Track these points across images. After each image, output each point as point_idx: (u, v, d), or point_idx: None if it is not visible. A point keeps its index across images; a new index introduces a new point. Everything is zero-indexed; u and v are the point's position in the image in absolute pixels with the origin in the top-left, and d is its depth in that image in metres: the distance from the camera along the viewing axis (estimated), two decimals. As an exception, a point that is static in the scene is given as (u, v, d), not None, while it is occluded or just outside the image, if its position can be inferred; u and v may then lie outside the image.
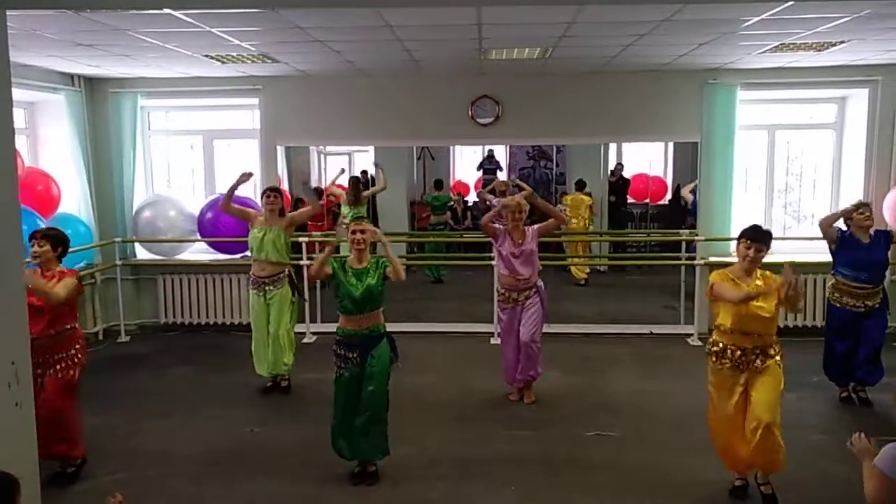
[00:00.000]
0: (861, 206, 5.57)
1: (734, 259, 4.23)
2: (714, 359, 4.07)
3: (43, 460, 4.22)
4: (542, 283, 5.75)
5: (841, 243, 5.53)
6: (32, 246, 4.38)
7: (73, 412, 4.48)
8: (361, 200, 9.62)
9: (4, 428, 3.25)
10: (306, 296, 7.40)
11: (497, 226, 5.75)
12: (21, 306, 3.43)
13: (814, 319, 7.42)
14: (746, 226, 4.15)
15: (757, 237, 4.00)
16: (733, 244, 4.24)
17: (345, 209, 9.62)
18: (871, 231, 5.53)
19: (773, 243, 4.13)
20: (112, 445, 4.98)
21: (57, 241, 4.47)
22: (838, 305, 5.62)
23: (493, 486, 4.39)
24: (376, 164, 10.08)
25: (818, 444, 4.87)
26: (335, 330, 4.51)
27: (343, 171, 10.91)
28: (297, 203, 10.34)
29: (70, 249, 4.68)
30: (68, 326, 4.40)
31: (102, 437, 5.00)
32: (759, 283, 3.96)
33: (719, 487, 4.29)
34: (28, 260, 4.29)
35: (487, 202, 8.55)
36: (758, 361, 3.96)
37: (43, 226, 6.03)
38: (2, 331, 3.24)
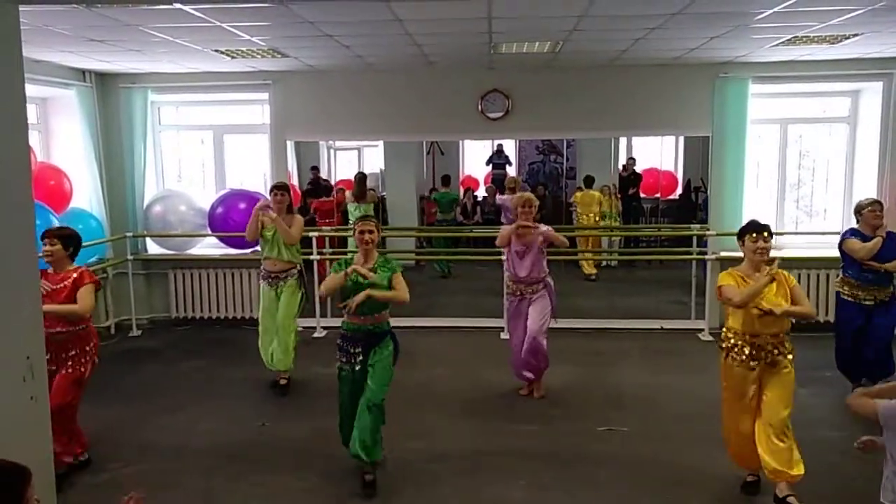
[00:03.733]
0: (873, 204, 5.53)
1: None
2: (726, 355, 4.05)
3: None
4: (551, 280, 5.73)
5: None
6: (44, 245, 4.37)
7: (75, 408, 4.47)
8: (367, 198, 9.61)
9: (19, 421, 3.27)
10: (316, 291, 7.41)
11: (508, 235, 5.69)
12: (36, 302, 3.46)
13: (826, 314, 7.36)
14: (743, 224, 4.14)
15: (762, 227, 4.01)
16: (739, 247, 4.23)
17: (350, 206, 9.62)
18: (883, 232, 5.48)
19: (785, 238, 4.11)
20: (124, 439, 5.01)
21: (69, 240, 4.47)
22: (849, 299, 5.59)
23: (502, 481, 4.39)
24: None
25: (830, 440, 4.84)
26: (340, 324, 4.51)
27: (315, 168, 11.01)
28: (306, 196, 10.38)
29: (82, 244, 4.68)
30: (82, 326, 4.41)
31: (114, 430, 5.04)
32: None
33: (731, 483, 4.28)
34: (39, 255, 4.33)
35: (498, 202, 8.56)
36: (770, 358, 3.93)
37: (55, 221, 6.07)
38: (17, 326, 3.27)
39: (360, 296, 4.18)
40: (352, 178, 10.48)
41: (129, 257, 7.85)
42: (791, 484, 3.94)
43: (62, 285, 4.34)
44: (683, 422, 5.23)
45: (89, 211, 7.42)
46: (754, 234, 3.98)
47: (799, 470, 3.91)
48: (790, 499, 3.94)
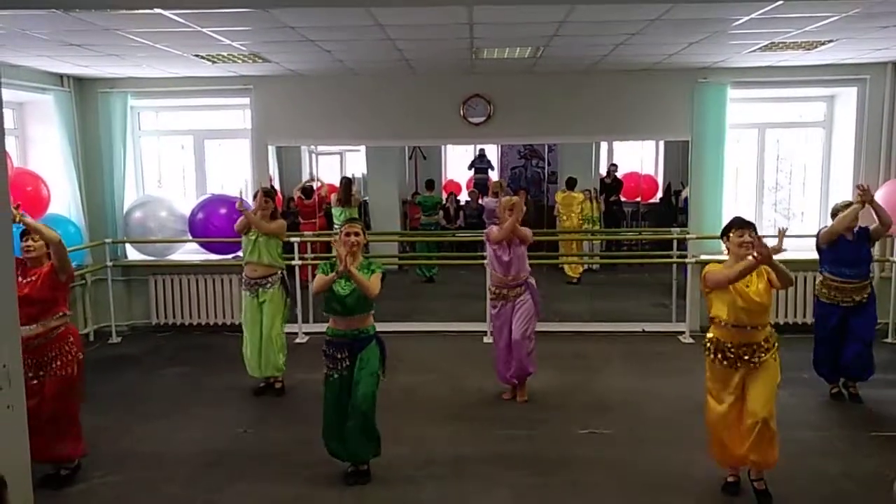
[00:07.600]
0: (850, 206, 5.62)
1: (725, 257, 4.25)
2: (711, 355, 4.10)
3: (39, 463, 4.20)
4: (533, 281, 5.76)
5: (830, 244, 5.59)
6: (26, 241, 4.36)
7: (75, 411, 4.46)
8: (352, 202, 9.59)
9: (-4, 430, 3.22)
10: (297, 296, 7.38)
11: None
12: (12, 308, 3.41)
13: (804, 317, 7.46)
14: (728, 221, 4.21)
15: (746, 223, 4.08)
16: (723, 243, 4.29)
17: (335, 210, 9.60)
18: (855, 229, 5.59)
19: (763, 241, 4.15)
20: (104, 447, 4.94)
21: None
22: (827, 301, 5.66)
23: (486, 486, 4.40)
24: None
25: (809, 441, 4.90)
26: (325, 330, 4.50)
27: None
28: (289, 202, 10.32)
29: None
30: (59, 314, 4.35)
31: (94, 438, 4.97)
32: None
33: (712, 484, 4.31)
34: (21, 256, 4.31)
35: (483, 203, 8.58)
36: (754, 358, 3.98)
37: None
38: (-8, 333, 3.22)
39: (343, 259, 4.13)
40: (331, 182, 10.47)
41: (109, 263, 7.77)
42: (761, 470, 4.10)
43: (34, 277, 4.31)
44: (665, 424, 5.27)
45: (67, 217, 7.33)
46: (740, 230, 4.04)
47: (775, 460, 4.05)
48: (756, 483, 4.09)
